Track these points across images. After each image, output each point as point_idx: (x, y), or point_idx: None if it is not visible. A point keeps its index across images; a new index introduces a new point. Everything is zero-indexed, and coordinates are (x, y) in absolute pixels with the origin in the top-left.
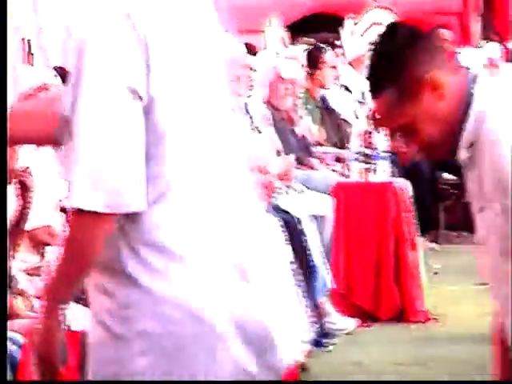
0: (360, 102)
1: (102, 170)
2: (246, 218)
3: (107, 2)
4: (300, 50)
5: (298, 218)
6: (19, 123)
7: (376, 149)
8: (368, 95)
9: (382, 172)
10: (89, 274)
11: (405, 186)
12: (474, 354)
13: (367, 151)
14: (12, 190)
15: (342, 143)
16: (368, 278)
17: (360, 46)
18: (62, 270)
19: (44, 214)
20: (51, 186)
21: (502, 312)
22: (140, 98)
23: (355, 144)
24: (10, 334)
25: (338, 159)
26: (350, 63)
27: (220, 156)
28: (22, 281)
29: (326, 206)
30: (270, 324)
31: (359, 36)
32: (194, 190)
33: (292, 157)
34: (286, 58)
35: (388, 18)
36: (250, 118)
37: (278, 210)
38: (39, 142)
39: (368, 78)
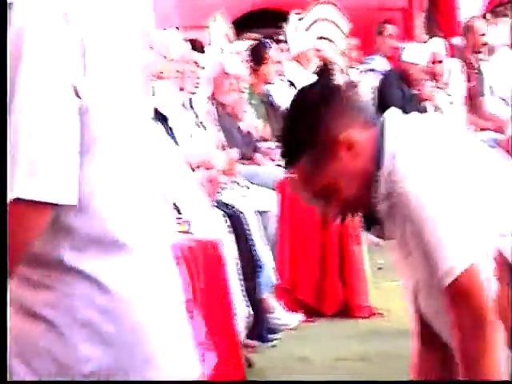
0: None
1: (38, 161)
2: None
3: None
4: (244, 46)
5: (242, 214)
6: None
7: None
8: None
9: None
10: (18, 266)
11: None
12: None
13: None
14: None
15: None
16: (312, 273)
17: (304, 41)
18: None
19: None
20: None
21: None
22: (78, 96)
23: None
24: None
25: None
26: (295, 58)
27: (144, 161)
28: None
29: (271, 201)
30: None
31: (304, 31)
32: (120, 190)
33: (235, 152)
34: (231, 53)
35: (333, 13)
36: (195, 113)
37: (222, 205)
38: None
39: (282, 146)
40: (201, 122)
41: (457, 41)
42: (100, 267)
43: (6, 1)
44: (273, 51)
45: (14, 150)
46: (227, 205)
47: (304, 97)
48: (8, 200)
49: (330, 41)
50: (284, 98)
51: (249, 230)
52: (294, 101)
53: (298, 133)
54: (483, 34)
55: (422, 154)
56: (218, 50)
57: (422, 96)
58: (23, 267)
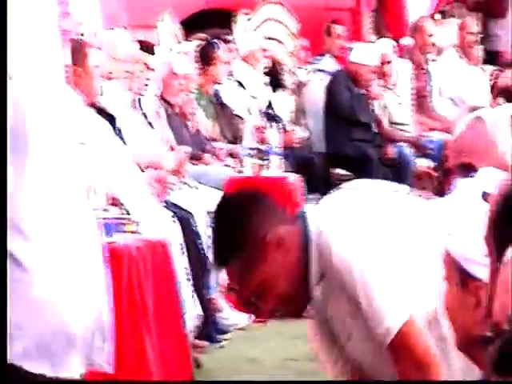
0: (253, 97)
1: None
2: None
3: None
4: (193, 46)
5: (191, 214)
6: None
7: (269, 144)
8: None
9: (275, 167)
10: None
11: (298, 181)
12: None
13: (260, 146)
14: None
15: (235, 138)
16: None
17: (253, 41)
18: None
19: None
20: None
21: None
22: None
23: (248, 139)
24: None
25: (232, 154)
26: (244, 58)
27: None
28: None
29: None
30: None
31: (252, 31)
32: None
33: (185, 152)
34: (179, 53)
35: (281, 13)
36: (143, 113)
37: (171, 205)
38: None
39: (214, 252)
40: (149, 123)
41: (405, 41)
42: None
43: (5, 1)
44: (221, 51)
45: None
46: (176, 205)
47: (228, 203)
48: None
49: (279, 41)
50: (233, 98)
51: (197, 231)
52: (219, 207)
53: (226, 238)
54: (431, 35)
55: (346, 227)
56: (167, 50)
57: (370, 96)
58: None
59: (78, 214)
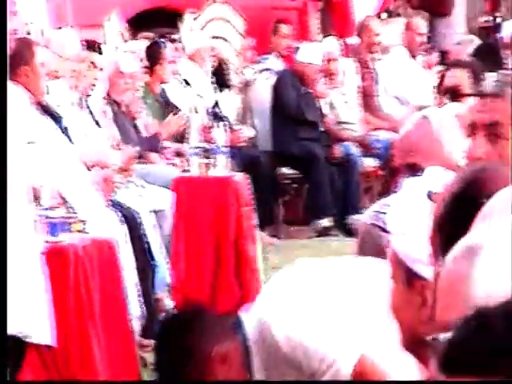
0: (200, 97)
1: None
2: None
3: None
4: (139, 45)
5: (137, 213)
6: None
7: (215, 143)
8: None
9: (222, 166)
10: None
11: (244, 180)
12: None
13: (207, 146)
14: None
15: (181, 137)
16: (207, 273)
17: (199, 40)
18: None
19: None
20: None
21: None
22: None
23: (195, 138)
24: None
25: (178, 153)
26: (190, 58)
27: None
28: None
29: (166, 200)
30: None
31: (198, 31)
32: None
33: (133, 150)
34: (126, 52)
35: (228, 12)
36: (90, 112)
37: (117, 204)
38: None
39: (159, 371)
40: (96, 121)
41: (351, 40)
42: None
43: (5, 1)
44: (168, 51)
45: None
46: (122, 204)
47: (172, 323)
48: None
49: (226, 40)
50: (179, 98)
51: (144, 230)
52: (163, 327)
53: (171, 357)
54: (377, 34)
55: (287, 312)
56: (113, 49)
57: (316, 95)
58: None
59: (16, 214)
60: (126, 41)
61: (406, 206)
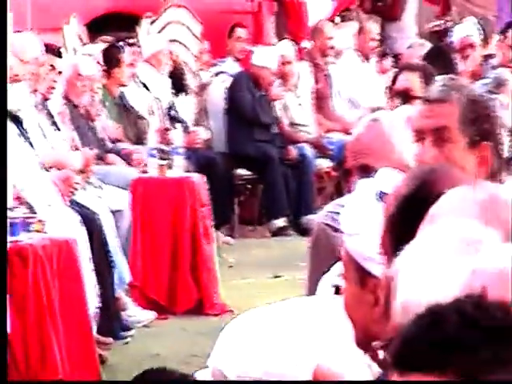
0: (157, 99)
1: None
2: None
3: None
4: (98, 49)
5: (96, 213)
6: None
7: (172, 145)
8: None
9: (179, 167)
10: None
11: (201, 181)
12: None
13: (164, 147)
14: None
15: (139, 139)
16: (164, 271)
17: (156, 44)
18: None
19: None
20: None
21: None
22: None
23: (152, 140)
24: None
25: (136, 155)
26: (147, 61)
27: None
28: None
29: (124, 200)
30: None
31: (156, 34)
32: None
33: (91, 152)
34: (84, 55)
35: (185, 16)
36: (49, 114)
37: (76, 204)
38: None
39: None
40: (55, 123)
41: (306, 44)
42: None
43: (5, 1)
44: (126, 54)
45: None
46: (81, 204)
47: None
48: None
49: (182, 43)
50: (137, 100)
51: (102, 230)
52: None
53: None
54: (331, 38)
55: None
56: (72, 52)
57: (271, 97)
58: None
59: None
60: (84, 44)
61: (358, 206)
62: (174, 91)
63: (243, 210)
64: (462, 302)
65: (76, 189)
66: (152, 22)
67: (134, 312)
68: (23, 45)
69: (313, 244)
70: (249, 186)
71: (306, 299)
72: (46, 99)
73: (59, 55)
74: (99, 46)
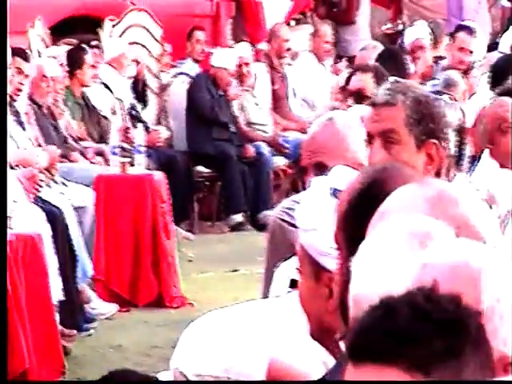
0: (119, 100)
1: None
2: None
3: None
4: (62, 51)
5: (60, 210)
6: None
7: (134, 143)
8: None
9: (140, 165)
10: None
11: (161, 178)
12: None
13: (126, 146)
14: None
15: (102, 138)
16: (126, 266)
17: (118, 46)
18: None
19: None
20: None
21: None
22: None
23: (114, 139)
24: None
25: (99, 153)
26: (109, 63)
27: None
28: None
29: (87, 197)
30: None
31: (117, 37)
32: None
33: (56, 150)
34: (49, 57)
35: (146, 19)
36: (16, 115)
37: (41, 201)
38: None
39: None
40: (21, 122)
41: (263, 46)
42: None
43: (5, 1)
44: (89, 56)
45: None
46: (46, 201)
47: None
48: None
49: (143, 46)
50: (99, 100)
51: (66, 225)
52: None
53: None
54: (287, 40)
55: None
56: (36, 54)
57: (229, 97)
58: None
59: None
60: (48, 46)
61: (313, 202)
62: (135, 92)
63: (202, 206)
64: (413, 295)
65: (41, 186)
66: (114, 25)
67: (97, 305)
68: None
69: (270, 239)
70: (208, 183)
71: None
72: (13, 100)
73: (25, 58)
74: (63, 48)
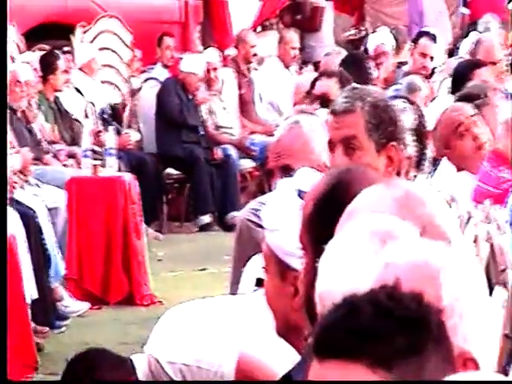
0: (90, 104)
1: None
2: None
3: None
4: (35, 56)
5: (33, 210)
6: None
7: (105, 146)
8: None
9: (111, 167)
10: None
11: (132, 180)
12: None
13: (97, 148)
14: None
15: (74, 141)
16: (98, 265)
17: (89, 52)
18: None
19: None
20: None
21: None
22: None
23: (86, 141)
24: None
25: (71, 156)
26: (81, 68)
27: None
28: None
29: (60, 198)
30: None
31: (89, 43)
32: None
33: (29, 153)
34: (22, 62)
35: (116, 26)
36: None
37: (15, 203)
38: None
39: None
40: None
41: (230, 51)
42: None
43: (5, 1)
44: (61, 61)
45: None
46: (19, 202)
47: (75, 364)
48: None
49: (114, 51)
50: (72, 104)
51: (39, 226)
52: (67, 368)
53: None
54: (253, 46)
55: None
56: (9, 59)
57: (197, 101)
58: None
59: None
60: (21, 52)
61: (279, 204)
62: (106, 96)
63: (171, 207)
64: (376, 293)
65: (14, 188)
66: (85, 32)
67: (69, 303)
68: None
69: (237, 239)
70: (177, 185)
71: (233, 296)
72: None
73: None
74: (36, 54)
